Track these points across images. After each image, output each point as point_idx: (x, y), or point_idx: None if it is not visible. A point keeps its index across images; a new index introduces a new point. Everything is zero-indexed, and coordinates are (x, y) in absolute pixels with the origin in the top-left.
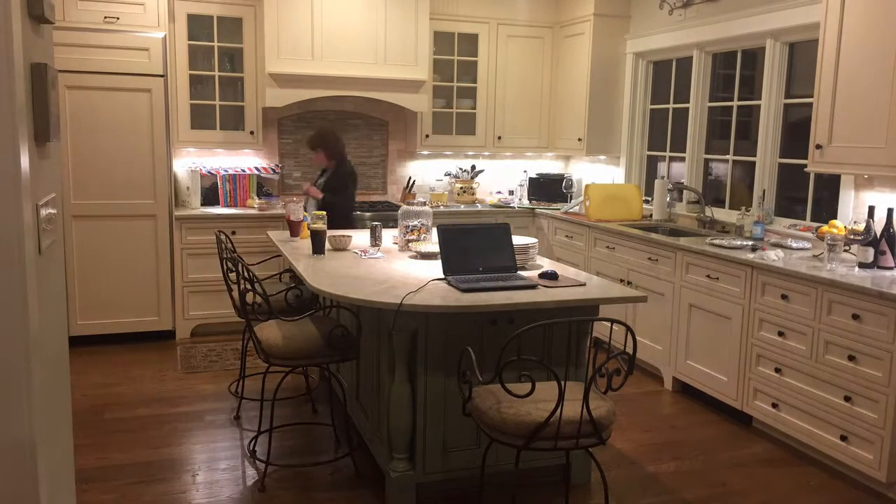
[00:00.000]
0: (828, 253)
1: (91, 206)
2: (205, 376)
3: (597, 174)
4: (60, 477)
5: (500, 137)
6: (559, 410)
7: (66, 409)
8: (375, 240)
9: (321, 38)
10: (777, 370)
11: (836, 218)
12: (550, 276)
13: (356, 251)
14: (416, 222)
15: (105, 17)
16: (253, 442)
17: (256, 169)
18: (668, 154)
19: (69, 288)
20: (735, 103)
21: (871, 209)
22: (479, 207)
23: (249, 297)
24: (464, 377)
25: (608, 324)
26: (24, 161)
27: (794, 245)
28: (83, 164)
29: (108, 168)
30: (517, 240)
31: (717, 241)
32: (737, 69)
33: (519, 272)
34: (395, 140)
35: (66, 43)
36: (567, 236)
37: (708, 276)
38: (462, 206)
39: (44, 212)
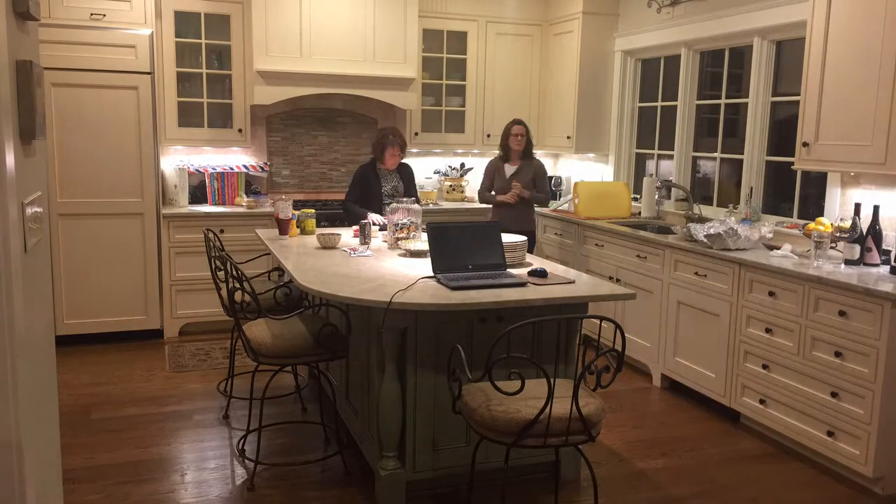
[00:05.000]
0: (814, 250)
1: (77, 204)
2: (193, 375)
3: (586, 172)
4: (47, 477)
5: (489, 135)
6: (549, 408)
7: (53, 408)
8: (364, 238)
9: (310, 36)
10: (764, 366)
11: (822, 215)
12: (539, 273)
13: (345, 249)
14: (405, 220)
15: (91, 14)
16: (242, 441)
17: (245, 167)
18: (656, 152)
19: (56, 287)
20: (723, 101)
21: (858, 206)
22: (469, 205)
23: (238, 296)
24: (453, 375)
25: (597, 321)
26: (10, 159)
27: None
28: (69, 163)
29: (95, 166)
30: (506, 238)
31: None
32: (724, 67)
33: (508, 270)
34: None
35: (52, 40)
36: (556, 234)
37: (696, 273)
38: (451, 204)
39: (29, 210)
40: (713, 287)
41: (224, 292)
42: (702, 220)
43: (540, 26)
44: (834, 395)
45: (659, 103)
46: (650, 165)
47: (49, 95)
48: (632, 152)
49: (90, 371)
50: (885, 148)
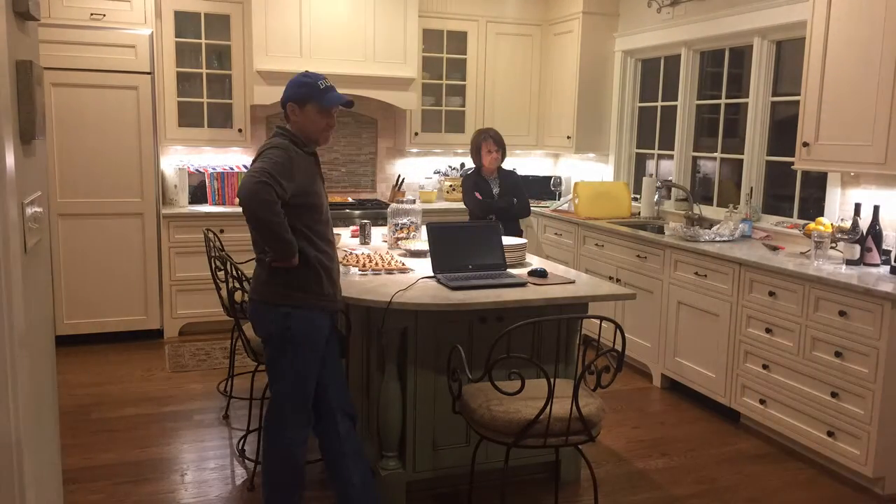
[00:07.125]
0: (815, 250)
1: (77, 204)
2: (193, 375)
3: (585, 172)
4: (47, 477)
5: None
6: (549, 408)
7: (53, 408)
8: (365, 238)
9: (309, 36)
10: (764, 366)
11: (822, 215)
12: (540, 273)
13: (345, 249)
14: (405, 220)
15: (91, 14)
16: (242, 441)
17: (244, 167)
18: (656, 152)
19: (56, 287)
20: (723, 101)
21: (858, 206)
22: None
23: (238, 296)
24: (453, 375)
25: (597, 321)
26: (10, 159)
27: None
28: (69, 162)
29: (95, 166)
30: (507, 240)
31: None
32: (724, 67)
33: (508, 270)
34: (384, 138)
35: (52, 40)
36: (556, 234)
37: (696, 273)
38: (451, 204)
39: (29, 210)
40: (713, 287)
41: (224, 292)
42: (701, 220)
43: (540, 26)
44: (834, 395)
45: (659, 103)
46: (650, 165)
47: (49, 95)
48: (632, 152)
49: (90, 371)
50: (885, 148)
